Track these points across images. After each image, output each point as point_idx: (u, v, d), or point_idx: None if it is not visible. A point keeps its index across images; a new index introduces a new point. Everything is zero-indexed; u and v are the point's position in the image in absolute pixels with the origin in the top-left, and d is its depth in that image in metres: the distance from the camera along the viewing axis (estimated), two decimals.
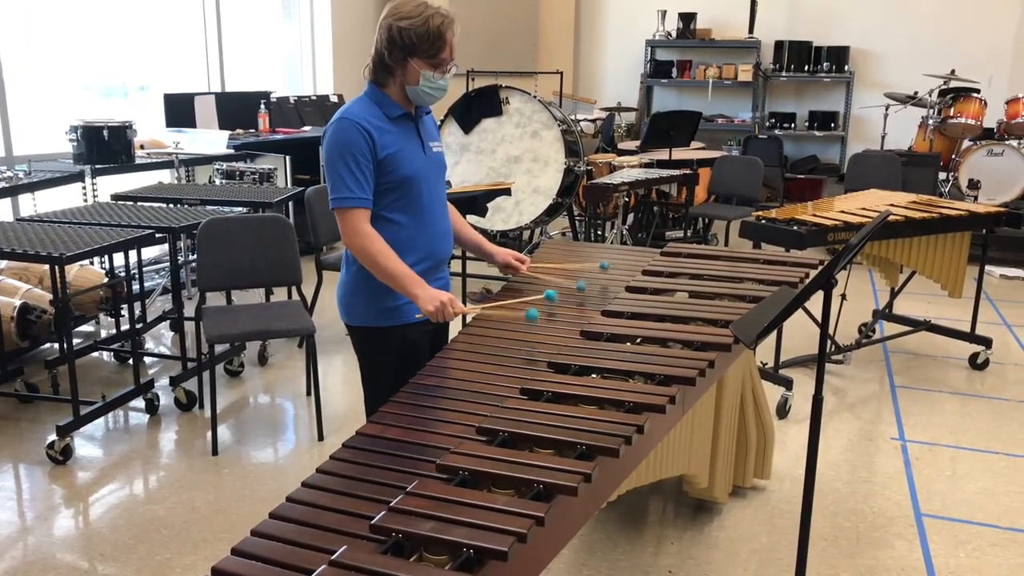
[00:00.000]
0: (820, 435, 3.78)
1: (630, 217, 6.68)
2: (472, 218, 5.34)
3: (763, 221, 4.13)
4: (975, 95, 7.21)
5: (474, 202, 4.81)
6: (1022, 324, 5.44)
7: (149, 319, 4.89)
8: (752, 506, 3.20)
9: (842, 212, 4.29)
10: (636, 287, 2.68)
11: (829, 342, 4.63)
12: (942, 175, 7.24)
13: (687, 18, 9.14)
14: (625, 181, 5.42)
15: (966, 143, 7.36)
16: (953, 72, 7.36)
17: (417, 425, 1.76)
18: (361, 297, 2.40)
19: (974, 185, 6.92)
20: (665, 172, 5.89)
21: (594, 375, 1.99)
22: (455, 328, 2.83)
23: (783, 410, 3.99)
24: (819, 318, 4.18)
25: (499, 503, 1.40)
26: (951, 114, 7.22)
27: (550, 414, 1.75)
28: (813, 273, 2.97)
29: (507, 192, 5.00)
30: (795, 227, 4.01)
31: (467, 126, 6.16)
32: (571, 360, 2.05)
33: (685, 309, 2.44)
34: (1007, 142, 7.01)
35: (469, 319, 2.56)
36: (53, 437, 3.50)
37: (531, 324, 2.35)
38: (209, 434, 3.73)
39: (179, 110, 6.53)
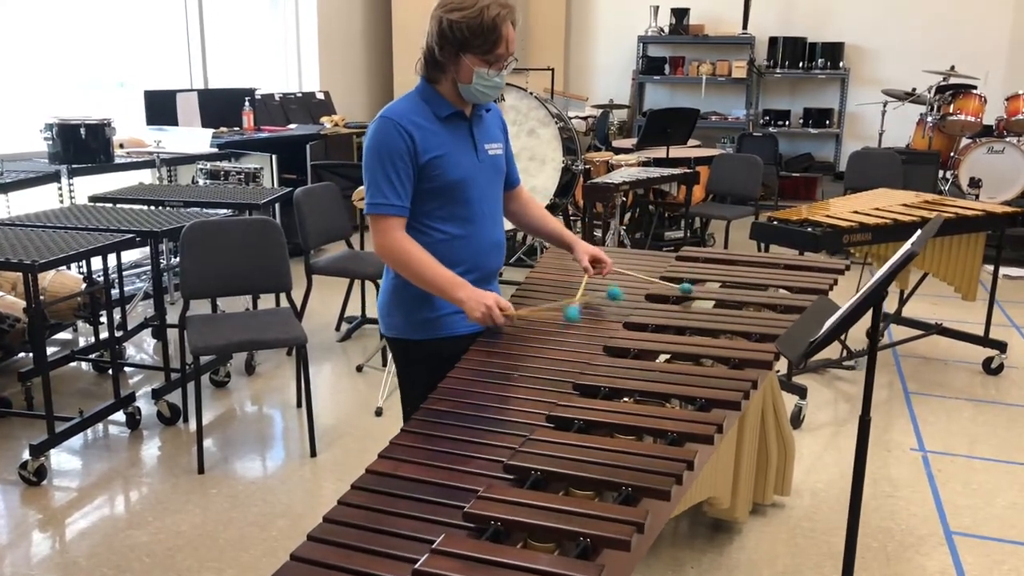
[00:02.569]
0: (836, 445, 3.63)
1: (626, 217, 6.49)
2: None
3: (775, 222, 3.96)
4: (974, 92, 7.08)
5: None
6: None
7: (130, 327, 4.66)
8: (772, 524, 3.03)
9: (855, 212, 4.12)
10: (656, 295, 2.50)
11: (842, 347, 4.47)
12: (941, 173, 7.11)
13: (680, 14, 8.98)
14: (626, 180, 5.23)
15: (965, 140, 7.23)
16: (953, 68, 7.23)
17: (435, 460, 1.56)
18: (398, 307, 2.24)
19: (975, 183, 6.79)
20: (666, 171, 5.71)
21: (626, 399, 1.80)
22: None
23: (797, 419, 3.83)
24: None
25: (542, 563, 1.19)
26: (950, 111, 7.09)
27: (584, 447, 1.55)
28: (840, 279, 2.81)
29: None
30: (809, 228, 3.84)
31: None
32: (599, 381, 1.86)
33: (713, 320, 2.26)
34: (1007, 139, 6.88)
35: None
36: (26, 456, 3.28)
37: (572, 324, 2.25)
38: (194, 450, 3.51)
39: (160, 107, 6.29)
